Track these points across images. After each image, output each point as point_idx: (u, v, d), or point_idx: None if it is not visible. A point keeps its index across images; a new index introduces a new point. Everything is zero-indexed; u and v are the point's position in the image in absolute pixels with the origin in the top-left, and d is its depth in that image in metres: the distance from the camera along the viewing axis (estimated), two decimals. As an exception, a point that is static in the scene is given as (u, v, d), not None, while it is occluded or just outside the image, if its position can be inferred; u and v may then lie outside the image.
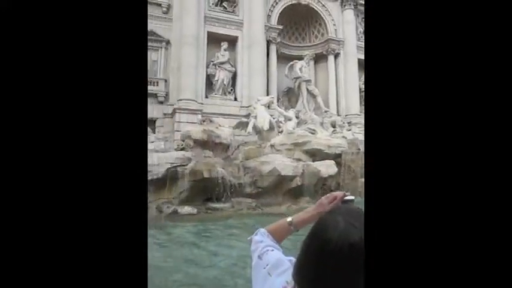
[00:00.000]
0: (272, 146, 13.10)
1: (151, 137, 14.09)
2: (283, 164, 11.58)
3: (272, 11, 22.28)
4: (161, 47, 20.56)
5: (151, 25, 20.21)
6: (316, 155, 13.06)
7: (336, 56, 23.63)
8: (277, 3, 22.43)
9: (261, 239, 1.39)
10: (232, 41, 21.00)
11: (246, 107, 19.15)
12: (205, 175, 10.62)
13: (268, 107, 15.63)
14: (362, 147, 12.74)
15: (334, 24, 23.66)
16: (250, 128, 14.78)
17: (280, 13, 22.61)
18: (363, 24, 23.20)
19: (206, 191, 10.97)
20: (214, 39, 20.39)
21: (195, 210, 9.94)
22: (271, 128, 14.57)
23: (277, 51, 22.39)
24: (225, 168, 11.14)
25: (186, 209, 9.80)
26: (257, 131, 14.80)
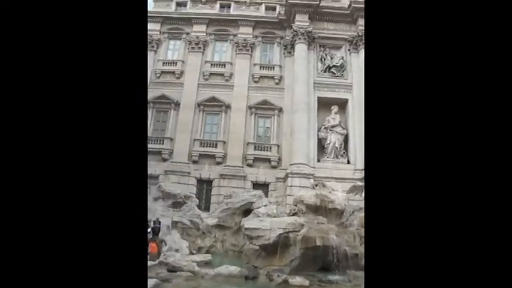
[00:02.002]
0: (392, 212, 11.82)
1: (263, 200, 14.27)
2: (406, 233, 10.21)
3: (384, 71, 21.80)
4: (274, 115, 21.67)
5: (265, 95, 21.74)
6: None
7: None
8: (388, 63, 21.93)
9: None
10: (343, 104, 20.92)
11: (360, 170, 18.21)
12: (318, 243, 9.98)
13: (385, 169, 14.50)
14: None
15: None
16: (365, 192, 13.77)
17: (393, 72, 21.94)
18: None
19: (319, 260, 10.24)
20: (324, 104, 20.65)
21: (306, 282, 9.23)
22: (389, 192, 13.33)
23: (391, 110, 21.38)
24: (339, 236, 10.34)
25: (298, 280, 9.17)
26: (373, 195, 13.70)
